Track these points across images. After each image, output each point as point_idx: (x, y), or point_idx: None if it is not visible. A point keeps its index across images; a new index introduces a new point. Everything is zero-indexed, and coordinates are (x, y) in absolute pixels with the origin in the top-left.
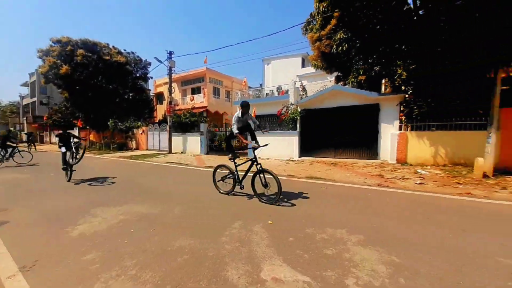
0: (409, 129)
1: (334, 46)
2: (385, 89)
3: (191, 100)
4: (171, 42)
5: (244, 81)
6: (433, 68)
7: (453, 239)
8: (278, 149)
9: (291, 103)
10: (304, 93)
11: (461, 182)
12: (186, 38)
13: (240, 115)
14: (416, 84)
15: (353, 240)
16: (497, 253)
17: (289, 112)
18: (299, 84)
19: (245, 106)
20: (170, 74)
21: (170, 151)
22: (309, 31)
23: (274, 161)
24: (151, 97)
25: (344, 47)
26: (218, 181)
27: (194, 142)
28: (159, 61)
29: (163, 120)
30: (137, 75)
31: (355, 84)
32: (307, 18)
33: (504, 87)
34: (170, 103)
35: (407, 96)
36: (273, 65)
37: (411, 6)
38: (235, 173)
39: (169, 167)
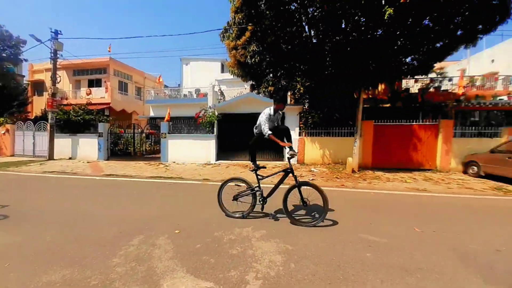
0: (306, 135)
1: (248, 57)
2: (290, 100)
3: (88, 94)
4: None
5: (159, 79)
6: (322, 87)
7: (330, 222)
8: (195, 153)
9: (209, 106)
10: (222, 97)
11: (338, 177)
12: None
13: (272, 112)
14: (311, 98)
15: (257, 236)
16: (360, 230)
17: (207, 115)
18: (218, 88)
19: (281, 100)
20: (54, 59)
21: (51, 157)
22: (226, 38)
23: (190, 165)
24: (24, 85)
25: (257, 59)
26: (232, 200)
27: (89, 146)
28: (38, 40)
29: (43, 117)
30: (3, 55)
31: (266, 93)
32: (224, 26)
33: (366, 105)
34: (53, 95)
35: (305, 107)
36: (192, 66)
37: (308, 34)
38: (256, 188)
39: (46, 178)
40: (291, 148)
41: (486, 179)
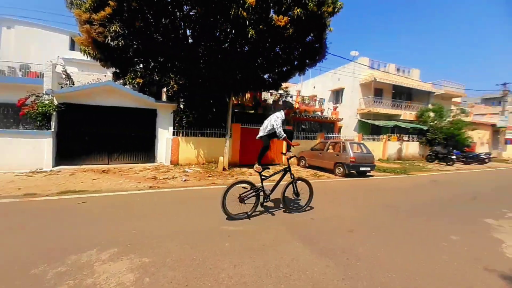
0: (181, 134)
1: (109, 38)
2: (167, 98)
3: None
4: None
5: None
6: (197, 87)
7: (192, 222)
8: (14, 157)
9: (45, 91)
10: (69, 82)
11: (211, 175)
12: None
13: (283, 116)
14: (186, 98)
15: (103, 258)
16: (223, 223)
17: (40, 103)
18: (63, 69)
19: (292, 107)
20: None
21: None
22: (75, 6)
23: (3, 176)
24: None
25: (121, 43)
26: (241, 203)
27: None
28: None
29: None
30: None
31: (135, 85)
32: None
33: (236, 110)
34: None
35: (179, 106)
36: (20, 32)
37: (184, 32)
38: (261, 188)
39: None
40: (289, 149)
41: (309, 169)
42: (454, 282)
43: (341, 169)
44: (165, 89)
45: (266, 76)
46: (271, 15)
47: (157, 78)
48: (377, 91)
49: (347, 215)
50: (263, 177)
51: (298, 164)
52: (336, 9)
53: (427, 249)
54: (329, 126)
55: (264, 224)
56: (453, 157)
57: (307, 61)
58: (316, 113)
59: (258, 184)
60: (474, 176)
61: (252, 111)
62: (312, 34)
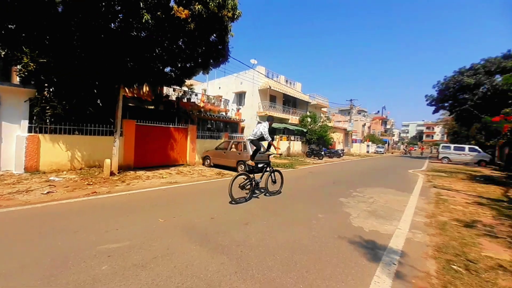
0: (43, 131)
1: None
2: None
3: None
4: None
5: None
6: (68, 69)
7: (53, 247)
8: None
9: None
10: None
11: (91, 183)
12: None
13: (269, 126)
14: (52, 83)
15: None
16: (101, 242)
17: None
18: None
19: (273, 121)
20: None
21: None
22: None
23: None
24: None
25: None
26: (242, 190)
27: None
28: None
29: None
30: None
31: None
32: None
33: (131, 104)
34: None
35: (40, 93)
36: None
37: None
38: (253, 178)
39: None
40: (268, 149)
41: (214, 168)
42: (318, 251)
43: (243, 166)
44: (16, 68)
45: (167, 69)
46: (171, 4)
47: (2, 51)
48: (272, 97)
49: (245, 209)
50: (255, 170)
51: (204, 164)
52: (235, 15)
53: (302, 228)
54: (234, 126)
55: (159, 232)
56: (323, 153)
57: (211, 61)
58: (221, 113)
59: (251, 175)
60: (335, 167)
61: (152, 107)
62: (215, 35)
